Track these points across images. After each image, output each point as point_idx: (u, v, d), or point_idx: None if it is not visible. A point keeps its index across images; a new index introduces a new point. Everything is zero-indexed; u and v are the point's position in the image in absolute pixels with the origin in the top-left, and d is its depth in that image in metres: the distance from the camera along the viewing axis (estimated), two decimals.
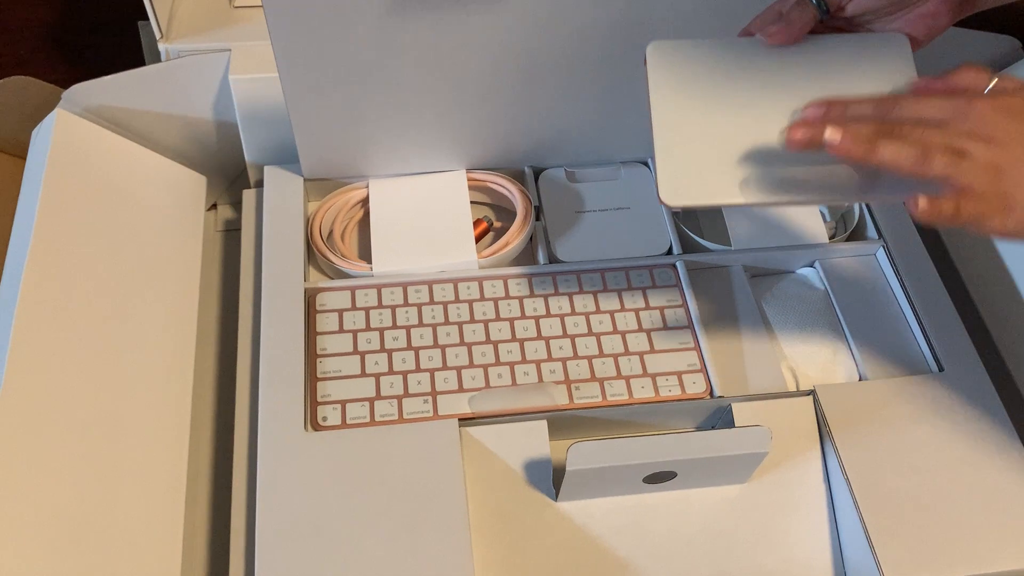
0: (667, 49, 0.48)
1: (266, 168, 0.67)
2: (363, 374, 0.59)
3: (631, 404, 0.59)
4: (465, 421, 0.57)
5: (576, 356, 0.61)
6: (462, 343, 0.61)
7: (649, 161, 0.71)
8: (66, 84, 0.64)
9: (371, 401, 0.58)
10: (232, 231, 0.73)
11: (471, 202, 0.67)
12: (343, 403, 0.57)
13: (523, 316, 0.62)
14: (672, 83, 0.47)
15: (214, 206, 0.75)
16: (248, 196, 0.68)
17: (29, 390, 0.51)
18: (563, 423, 0.59)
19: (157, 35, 0.65)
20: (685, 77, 0.47)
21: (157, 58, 0.67)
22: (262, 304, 0.60)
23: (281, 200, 0.66)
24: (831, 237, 0.68)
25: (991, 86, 0.43)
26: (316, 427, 0.56)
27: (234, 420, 0.59)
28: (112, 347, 0.57)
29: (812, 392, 0.59)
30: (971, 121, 0.42)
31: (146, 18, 0.65)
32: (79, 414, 0.53)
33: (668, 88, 0.47)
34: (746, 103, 0.47)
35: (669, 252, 0.66)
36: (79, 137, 0.63)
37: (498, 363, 0.60)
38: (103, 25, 0.89)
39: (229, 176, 0.74)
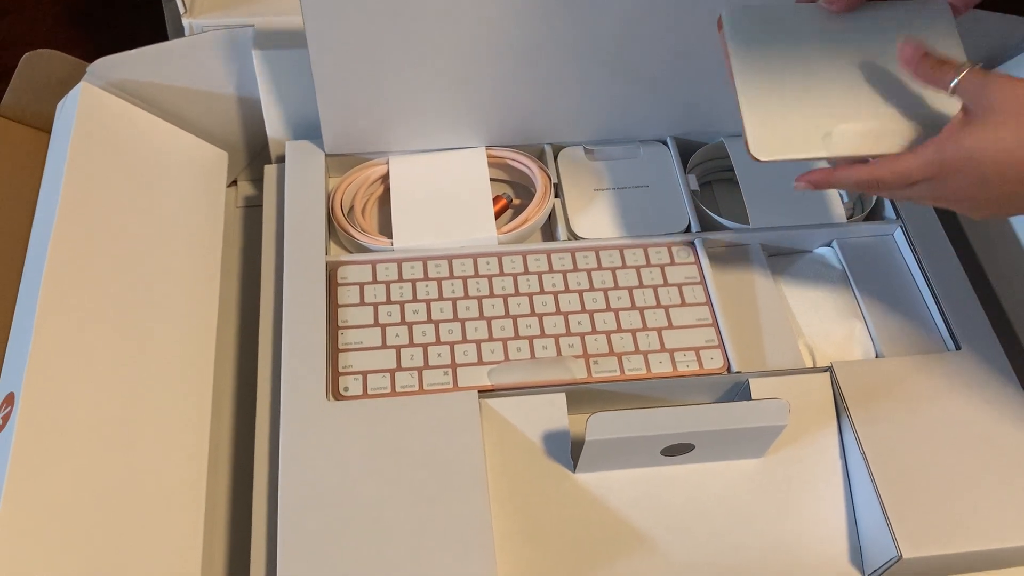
0: (740, 14, 0.51)
1: (288, 143, 0.68)
2: (384, 346, 0.60)
3: (649, 379, 0.59)
4: (485, 393, 0.57)
5: (594, 331, 0.61)
6: (481, 317, 0.61)
7: (668, 140, 0.71)
8: (90, 59, 0.65)
9: (392, 372, 0.58)
10: (252, 207, 0.74)
11: (491, 179, 0.68)
12: (364, 374, 0.58)
13: (542, 291, 0.63)
14: (749, 45, 0.50)
15: (234, 182, 0.76)
16: (269, 171, 0.69)
17: (56, 356, 0.52)
18: (581, 397, 0.59)
19: (181, 10, 0.66)
20: (759, 40, 0.51)
21: (181, 33, 0.67)
22: (284, 277, 0.61)
23: (303, 175, 0.66)
24: (849, 217, 0.68)
25: (954, 83, 0.47)
26: (338, 397, 0.57)
27: (256, 392, 0.59)
28: (135, 319, 0.58)
29: (829, 368, 0.60)
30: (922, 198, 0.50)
31: None
32: (104, 381, 0.54)
33: (746, 50, 0.50)
34: (816, 64, 0.51)
35: (688, 230, 0.67)
36: (104, 111, 0.64)
37: (517, 337, 0.61)
38: (126, 0, 0.89)
39: (250, 152, 0.74)
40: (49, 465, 0.49)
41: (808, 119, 0.50)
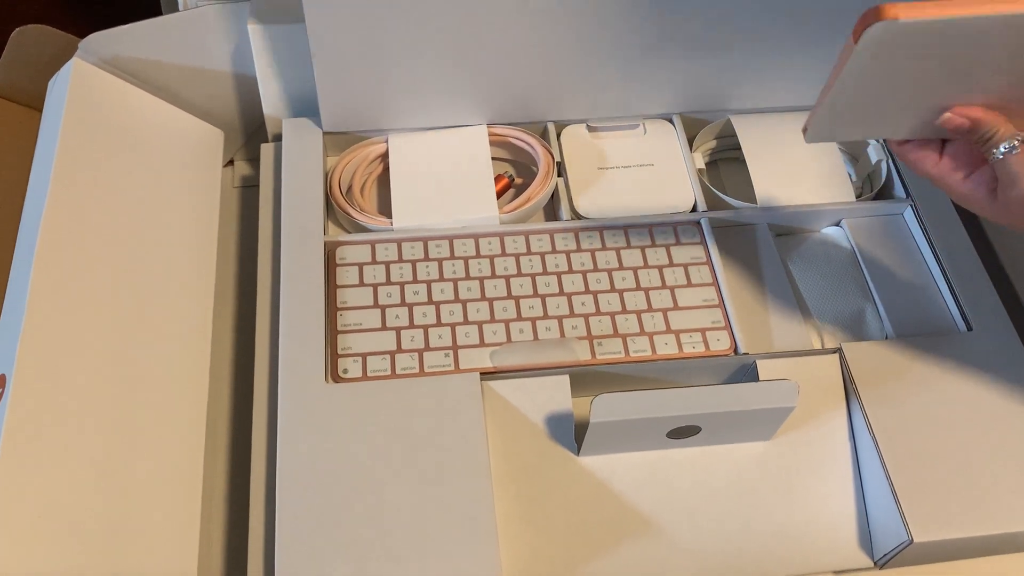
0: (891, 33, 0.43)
1: (284, 121, 0.66)
2: (384, 327, 0.58)
3: (655, 360, 0.58)
4: (487, 375, 0.56)
5: (598, 312, 0.60)
6: (483, 298, 0.60)
7: (674, 118, 0.69)
8: (82, 33, 0.63)
9: (392, 354, 0.57)
10: (249, 187, 0.73)
11: (492, 158, 0.66)
12: (364, 356, 0.57)
13: (545, 272, 0.62)
14: (875, 62, 0.44)
15: (231, 162, 0.74)
16: (266, 150, 0.68)
17: (48, 339, 0.51)
18: (585, 379, 0.58)
19: None
20: (890, 60, 0.44)
21: (175, 8, 0.66)
22: (282, 257, 0.60)
23: (300, 153, 0.65)
24: (858, 196, 0.67)
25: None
26: (336, 379, 0.56)
27: (253, 374, 0.58)
28: (130, 301, 0.57)
29: (839, 350, 0.58)
30: None
31: None
32: (97, 364, 0.53)
33: (870, 66, 0.44)
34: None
35: (694, 210, 0.65)
36: (96, 88, 0.62)
37: (519, 318, 0.59)
38: None
39: (246, 131, 0.73)
40: (41, 449, 0.48)
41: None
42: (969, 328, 0.60)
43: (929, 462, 0.54)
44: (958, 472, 0.54)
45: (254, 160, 0.73)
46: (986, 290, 0.62)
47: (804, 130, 0.50)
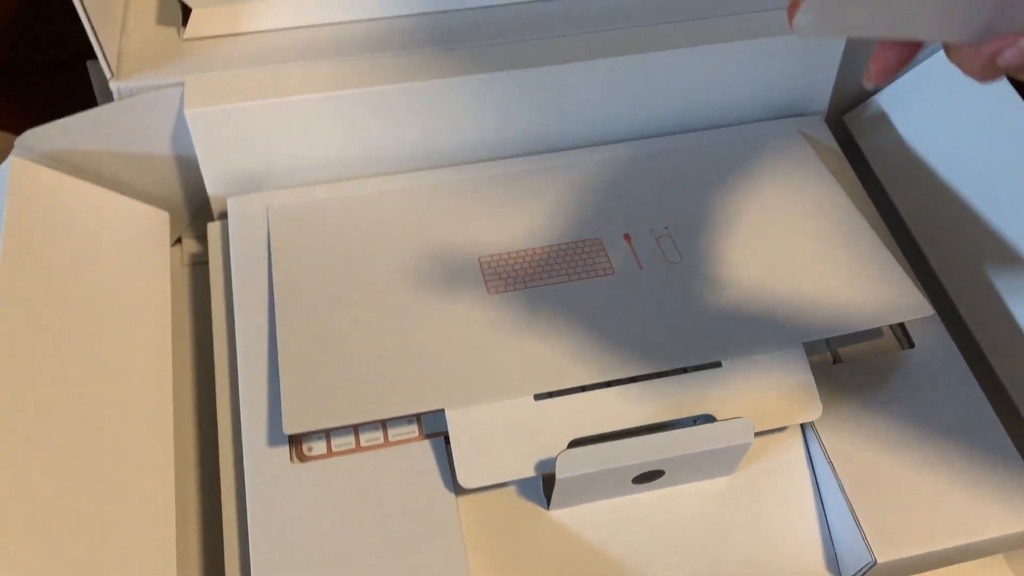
0: None
1: (229, 200, 0.66)
2: None
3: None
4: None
5: None
6: None
7: None
8: (17, 130, 0.63)
9: (355, 427, 0.57)
10: (199, 264, 0.73)
11: None
12: (327, 431, 0.57)
13: None
14: None
15: (179, 240, 0.74)
16: (213, 228, 0.68)
17: (2, 446, 0.50)
18: None
19: (108, 74, 0.64)
20: None
21: (109, 96, 0.66)
22: (236, 340, 0.60)
23: (247, 232, 0.65)
24: None
25: None
26: (302, 458, 0.56)
27: (219, 458, 0.58)
28: (86, 394, 0.57)
29: None
30: None
31: (94, 56, 0.64)
32: (55, 466, 0.53)
33: None
34: None
35: None
36: (36, 184, 0.62)
37: None
38: (51, 65, 0.87)
39: (191, 210, 0.73)
40: None
41: None
42: (911, 345, 0.62)
43: (887, 482, 0.56)
44: (914, 489, 0.56)
45: (201, 236, 0.74)
46: None
47: (791, 17, 0.36)
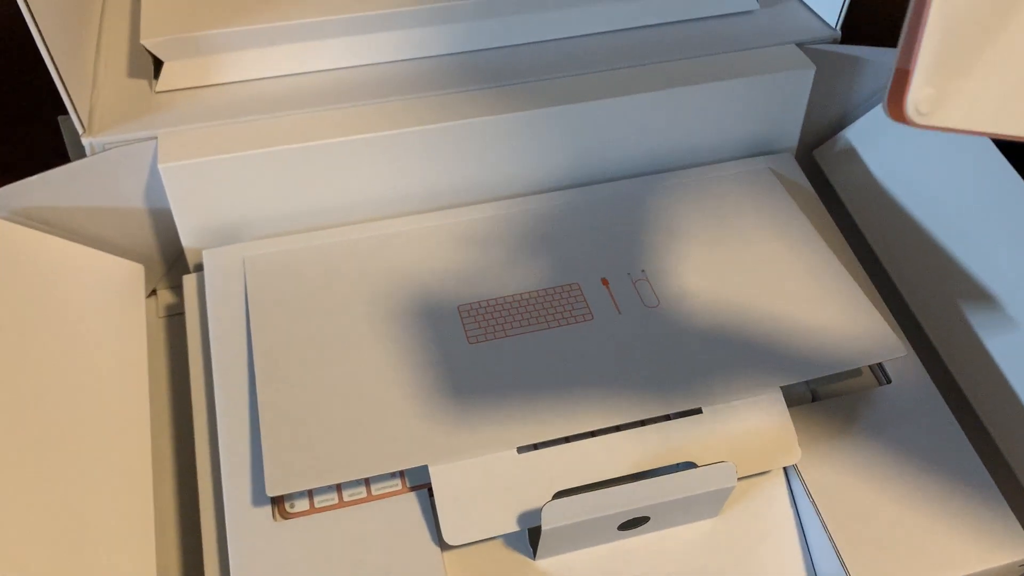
0: None
1: (204, 252, 0.66)
2: None
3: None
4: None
5: None
6: None
7: None
8: None
9: (338, 483, 0.57)
10: (175, 316, 0.72)
11: None
12: (310, 488, 0.57)
13: None
14: None
15: (153, 292, 0.74)
16: (188, 281, 0.67)
17: None
18: None
19: (80, 130, 0.64)
20: None
21: (81, 152, 0.65)
22: (216, 398, 0.59)
23: (223, 284, 0.65)
24: None
25: None
26: (285, 516, 0.56)
27: (200, 515, 0.57)
28: (64, 450, 0.56)
29: None
30: None
31: (65, 111, 0.63)
32: (33, 532, 0.52)
33: None
34: None
35: None
36: (9, 242, 0.62)
37: None
38: (21, 119, 0.87)
39: (167, 261, 0.72)
40: None
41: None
42: (888, 381, 0.63)
43: (869, 519, 0.57)
44: (896, 524, 0.57)
45: (176, 287, 0.73)
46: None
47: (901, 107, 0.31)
